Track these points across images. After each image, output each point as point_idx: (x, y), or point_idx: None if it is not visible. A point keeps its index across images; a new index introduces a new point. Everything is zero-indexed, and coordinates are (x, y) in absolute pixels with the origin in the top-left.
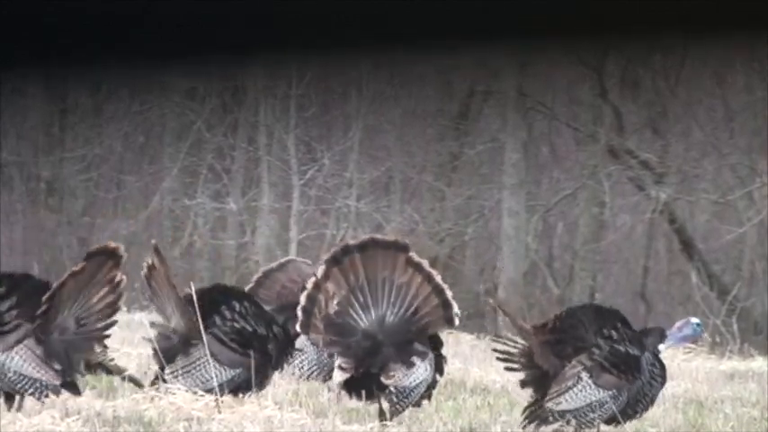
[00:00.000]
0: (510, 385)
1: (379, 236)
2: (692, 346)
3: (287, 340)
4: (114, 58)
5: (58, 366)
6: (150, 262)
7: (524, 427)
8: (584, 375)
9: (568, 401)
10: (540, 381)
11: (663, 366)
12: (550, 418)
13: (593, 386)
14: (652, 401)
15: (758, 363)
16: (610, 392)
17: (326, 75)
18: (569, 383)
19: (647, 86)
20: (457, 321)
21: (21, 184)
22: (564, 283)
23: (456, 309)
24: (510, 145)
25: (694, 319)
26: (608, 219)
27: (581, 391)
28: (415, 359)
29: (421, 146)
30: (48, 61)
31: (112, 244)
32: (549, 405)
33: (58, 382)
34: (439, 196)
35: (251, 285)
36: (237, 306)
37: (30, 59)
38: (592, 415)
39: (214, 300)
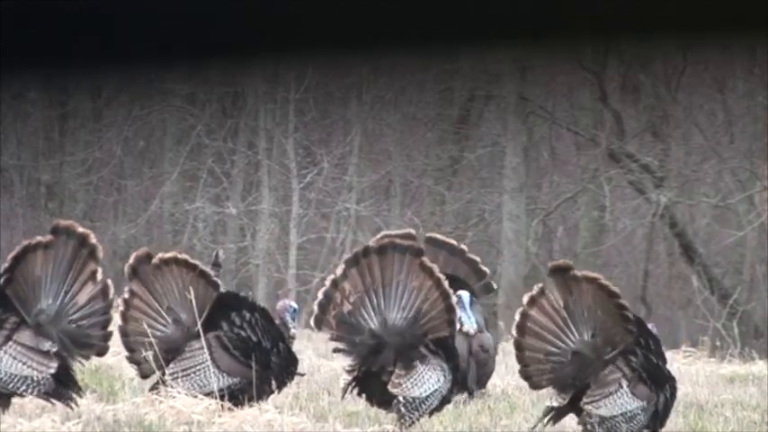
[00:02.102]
0: (510, 389)
1: (397, 240)
2: (693, 350)
3: (291, 359)
4: (114, 63)
5: (50, 347)
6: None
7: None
8: (624, 383)
9: (608, 407)
10: (582, 368)
11: (675, 385)
12: (588, 421)
13: (629, 395)
14: (666, 419)
15: (759, 366)
16: (641, 404)
17: (326, 79)
18: (611, 389)
19: (648, 91)
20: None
21: (21, 187)
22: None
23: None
24: (510, 149)
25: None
26: (608, 222)
27: (619, 398)
28: (418, 364)
29: (421, 150)
30: (48, 66)
31: (80, 228)
32: (589, 408)
33: (52, 370)
34: (439, 200)
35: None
36: (248, 315)
37: (30, 64)
38: (624, 426)
39: (226, 305)
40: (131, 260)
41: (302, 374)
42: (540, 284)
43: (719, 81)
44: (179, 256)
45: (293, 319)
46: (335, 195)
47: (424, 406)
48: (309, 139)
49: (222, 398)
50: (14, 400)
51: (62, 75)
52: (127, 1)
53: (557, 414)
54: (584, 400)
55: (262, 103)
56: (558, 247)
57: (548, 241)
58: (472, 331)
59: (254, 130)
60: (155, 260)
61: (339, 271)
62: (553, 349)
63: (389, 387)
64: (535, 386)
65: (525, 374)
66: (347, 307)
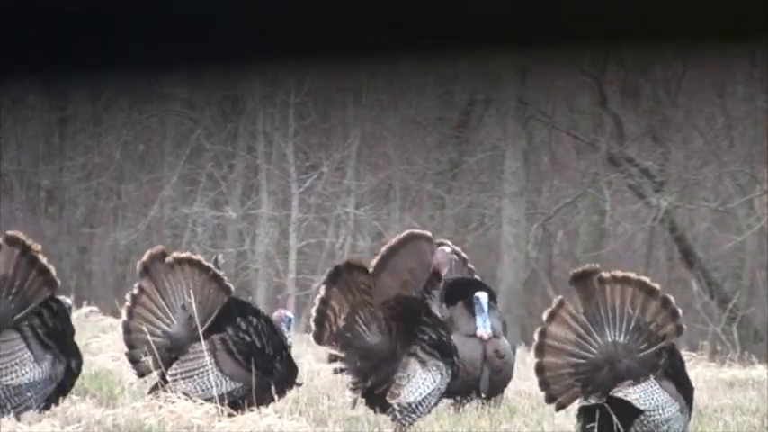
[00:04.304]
0: (510, 393)
1: (354, 257)
2: (693, 354)
3: (291, 368)
4: (114, 68)
5: None
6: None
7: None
8: (651, 376)
9: (638, 394)
10: (613, 371)
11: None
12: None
13: (657, 386)
14: None
15: (758, 371)
16: (677, 406)
17: (325, 83)
18: (640, 378)
19: (648, 95)
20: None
21: (21, 192)
22: (564, 292)
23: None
24: (510, 153)
25: None
26: (608, 227)
27: (649, 387)
28: (417, 369)
29: (421, 154)
30: (48, 71)
31: None
32: (620, 395)
33: None
34: (439, 204)
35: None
36: (254, 321)
37: (30, 69)
38: (663, 428)
39: (233, 310)
40: (145, 257)
41: (300, 384)
42: (560, 296)
43: (719, 85)
44: (193, 257)
45: (289, 329)
46: (335, 199)
47: (421, 408)
48: (309, 143)
49: (222, 402)
50: None
51: (62, 79)
52: (126, 5)
53: (593, 413)
54: (615, 388)
55: (261, 107)
56: (558, 252)
57: (547, 246)
58: (486, 336)
59: (253, 134)
60: (168, 259)
61: (322, 291)
62: (575, 360)
63: (387, 398)
64: (561, 406)
65: (549, 396)
66: (341, 323)
